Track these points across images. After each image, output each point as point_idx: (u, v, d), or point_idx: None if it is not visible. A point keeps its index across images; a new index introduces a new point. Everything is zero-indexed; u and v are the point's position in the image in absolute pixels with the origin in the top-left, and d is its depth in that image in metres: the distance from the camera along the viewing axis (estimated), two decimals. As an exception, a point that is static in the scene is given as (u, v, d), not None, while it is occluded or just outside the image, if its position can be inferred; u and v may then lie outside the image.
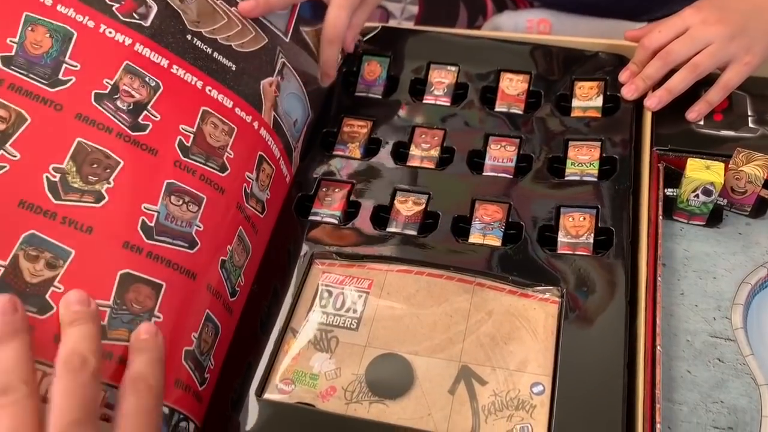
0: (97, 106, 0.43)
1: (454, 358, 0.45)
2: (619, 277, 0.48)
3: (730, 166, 0.50)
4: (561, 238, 0.51)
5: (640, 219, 0.51)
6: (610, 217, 0.51)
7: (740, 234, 0.53)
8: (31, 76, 0.42)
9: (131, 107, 0.44)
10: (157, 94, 0.46)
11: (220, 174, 0.47)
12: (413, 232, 0.53)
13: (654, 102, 0.56)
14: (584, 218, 0.51)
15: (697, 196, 0.51)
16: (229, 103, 0.49)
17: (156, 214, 0.43)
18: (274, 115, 0.53)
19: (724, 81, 0.55)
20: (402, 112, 0.61)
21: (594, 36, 0.64)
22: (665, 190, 0.54)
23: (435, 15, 0.68)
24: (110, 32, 0.45)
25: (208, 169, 0.47)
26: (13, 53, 0.42)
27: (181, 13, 0.49)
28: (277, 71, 0.54)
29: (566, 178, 0.54)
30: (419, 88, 0.63)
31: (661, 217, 0.52)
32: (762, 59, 0.55)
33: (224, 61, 0.50)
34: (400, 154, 0.59)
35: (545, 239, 0.51)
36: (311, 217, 0.55)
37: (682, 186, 0.51)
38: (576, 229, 0.51)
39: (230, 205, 0.48)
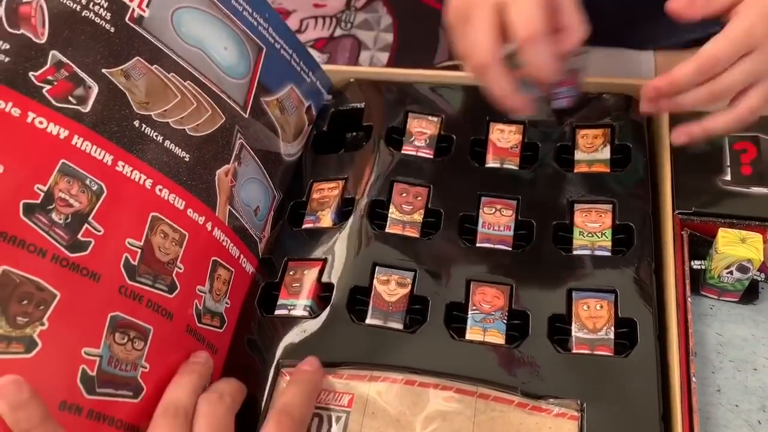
0: (26, 221, 0.34)
1: (458, 501, 0.37)
2: (648, 384, 0.40)
3: (769, 237, 0.43)
4: (576, 332, 0.43)
5: (666, 304, 0.43)
6: (631, 303, 0.43)
7: (780, 312, 0.45)
8: None
9: (69, 220, 0.36)
10: (100, 201, 0.37)
11: (168, 296, 0.39)
12: (399, 326, 0.44)
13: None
14: (601, 306, 0.43)
15: (731, 272, 0.44)
16: (181, 204, 0.41)
17: (98, 359, 0.35)
18: (229, 210, 0.44)
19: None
20: (378, 165, 0.52)
21: (593, 66, 0.56)
22: (691, 263, 0.46)
23: (412, 44, 0.59)
24: (41, 122, 0.36)
25: (156, 292, 0.39)
26: None
27: (126, 93, 0.41)
28: (234, 156, 0.46)
29: (575, 253, 0.46)
30: (395, 137, 0.54)
31: (689, 299, 0.44)
32: None
33: (177, 150, 0.42)
34: (378, 214, 0.50)
35: (557, 331, 0.43)
36: (277, 312, 0.46)
37: (713, 260, 0.44)
38: (593, 321, 0.43)
39: (179, 332, 0.39)
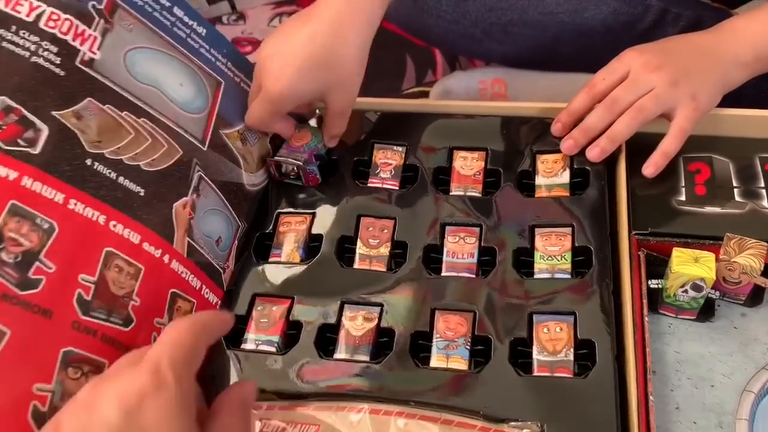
0: None
1: None
2: (606, 404, 0.41)
3: (721, 256, 0.44)
4: (536, 355, 0.44)
5: (624, 325, 0.44)
6: (590, 325, 0.44)
7: (736, 329, 0.46)
8: None
9: (19, 259, 0.37)
10: (51, 239, 0.38)
11: (124, 329, 0.40)
12: (365, 358, 0.45)
13: (596, 153, 0.51)
14: (561, 328, 0.44)
15: (686, 291, 0.45)
16: (136, 238, 0.42)
17: (50, 395, 0.36)
18: (188, 242, 0.45)
19: (677, 127, 0.50)
20: (345, 199, 0.53)
21: (554, 92, 0.58)
22: (648, 282, 0.47)
23: (380, 71, 0.61)
24: None
25: (111, 325, 0.39)
26: None
27: (78, 133, 0.42)
28: (192, 188, 0.47)
29: (536, 277, 0.47)
30: (362, 170, 0.56)
31: (647, 318, 0.45)
32: (709, 105, 0.51)
33: (131, 186, 0.43)
34: (346, 249, 0.51)
35: (518, 354, 0.44)
36: (244, 346, 0.47)
37: (669, 280, 0.45)
38: (553, 344, 0.44)
39: None
